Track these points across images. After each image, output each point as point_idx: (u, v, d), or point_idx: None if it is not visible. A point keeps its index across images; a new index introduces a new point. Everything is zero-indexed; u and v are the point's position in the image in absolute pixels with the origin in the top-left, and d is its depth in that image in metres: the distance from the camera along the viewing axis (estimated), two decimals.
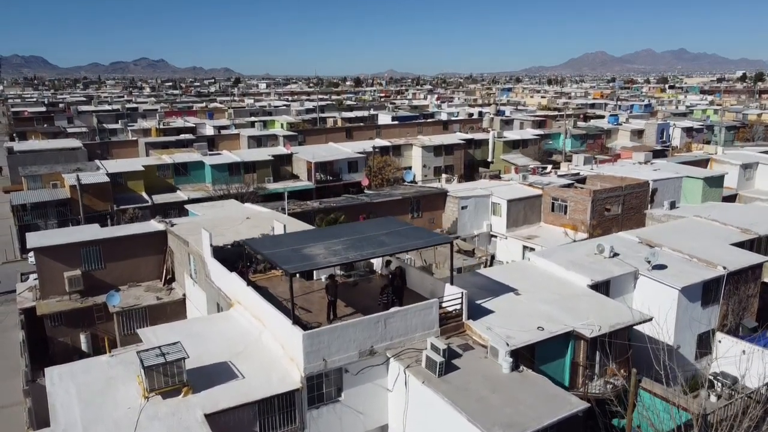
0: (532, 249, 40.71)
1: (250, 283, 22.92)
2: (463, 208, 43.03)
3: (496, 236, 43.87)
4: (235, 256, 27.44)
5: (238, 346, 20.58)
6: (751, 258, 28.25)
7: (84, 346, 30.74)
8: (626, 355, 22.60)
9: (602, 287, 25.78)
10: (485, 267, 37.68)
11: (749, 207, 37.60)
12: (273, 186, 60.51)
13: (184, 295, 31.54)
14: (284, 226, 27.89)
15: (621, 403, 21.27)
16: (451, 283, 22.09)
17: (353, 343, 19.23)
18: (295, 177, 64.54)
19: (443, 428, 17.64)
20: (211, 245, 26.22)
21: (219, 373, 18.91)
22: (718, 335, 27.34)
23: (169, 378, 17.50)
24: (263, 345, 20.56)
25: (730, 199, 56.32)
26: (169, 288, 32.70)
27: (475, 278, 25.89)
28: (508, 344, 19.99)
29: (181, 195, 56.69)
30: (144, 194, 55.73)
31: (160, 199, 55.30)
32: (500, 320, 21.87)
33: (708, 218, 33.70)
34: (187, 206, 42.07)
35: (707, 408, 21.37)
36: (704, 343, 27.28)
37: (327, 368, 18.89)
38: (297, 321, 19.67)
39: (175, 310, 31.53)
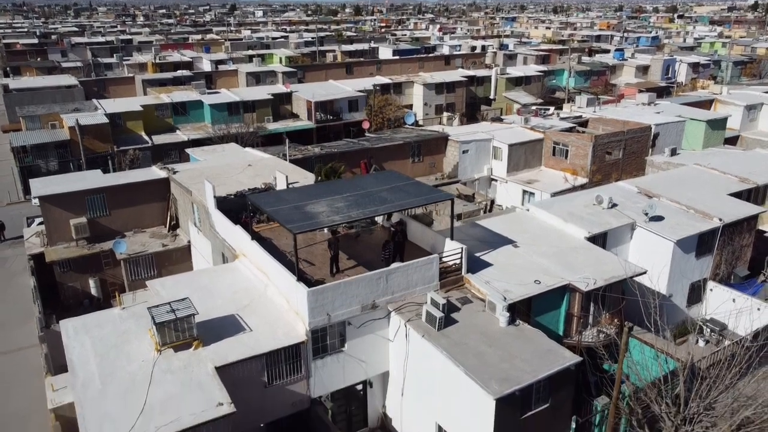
0: (532, 194, 41.11)
1: (254, 236, 23.35)
2: (464, 152, 43.01)
3: (496, 180, 44.08)
4: (239, 207, 27.76)
5: (245, 300, 21.28)
6: (747, 209, 28.63)
7: (93, 291, 31.62)
8: (619, 306, 23.38)
9: (599, 239, 26.29)
10: (485, 212, 38.16)
11: (749, 155, 37.63)
12: (273, 126, 60.11)
13: (189, 242, 32.13)
14: (286, 177, 28.07)
15: (611, 352, 22.26)
16: (452, 238, 22.55)
17: (356, 298, 19.90)
18: (295, 116, 63.98)
19: (442, 380, 18.56)
20: (214, 197, 26.55)
21: (227, 327, 19.67)
22: (710, 284, 28.13)
23: (180, 333, 18.25)
24: (269, 298, 21.26)
25: (733, 140, 56.16)
26: (173, 234, 33.25)
27: (475, 230, 26.35)
28: (505, 298, 20.68)
29: (180, 135, 56.47)
30: (143, 134, 55.51)
31: (159, 139, 55.12)
32: (498, 273, 22.50)
33: (708, 167, 33.84)
34: (187, 150, 41.93)
35: (694, 356, 22.34)
36: (696, 292, 28.09)
37: (331, 322, 19.64)
38: (301, 276, 20.26)
39: (181, 257, 32.23)
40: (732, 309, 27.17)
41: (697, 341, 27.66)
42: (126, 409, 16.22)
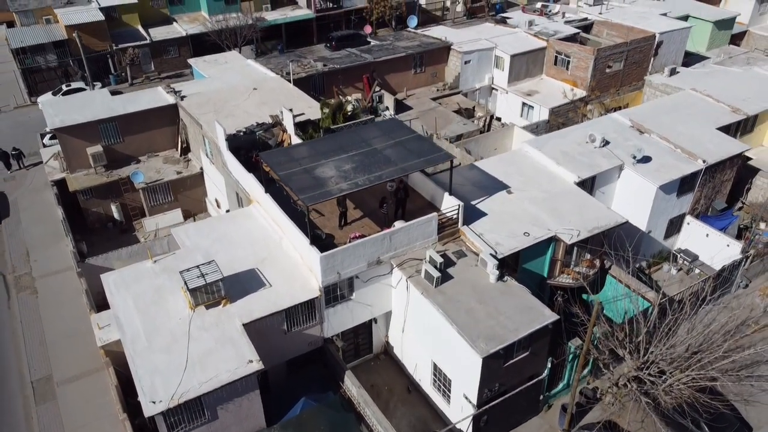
0: (531, 107, 42.00)
1: (267, 184, 24.98)
2: (465, 62, 43.03)
3: (497, 90, 44.56)
4: (249, 144, 29.27)
5: (263, 252, 23.70)
6: (731, 148, 30.07)
7: (116, 215, 33.93)
8: (600, 252, 25.87)
9: (588, 181, 28.12)
10: (484, 130, 39.44)
11: (747, 76, 37.75)
12: (272, 16, 58.70)
13: (202, 168, 33.87)
14: (292, 115, 29.00)
15: (591, 287, 25.32)
16: (450, 194, 24.43)
17: (363, 257, 22.29)
18: (294, 3, 62.13)
19: (438, 330, 21.46)
20: (226, 140, 27.89)
21: (249, 281, 22.26)
22: (687, 218, 30.40)
23: (210, 295, 20.88)
24: (284, 251, 23.66)
25: (740, 36, 55.46)
26: (186, 159, 34.87)
27: (472, 173, 28.08)
28: (496, 253, 23.06)
29: (178, 29, 55.53)
30: (140, 29, 54.58)
31: (157, 34, 54.26)
32: (491, 224, 24.67)
33: (703, 93, 34.57)
34: (190, 62, 41.98)
35: (662, 296, 25.32)
36: (674, 226, 30.44)
37: (341, 279, 22.21)
38: (312, 231, 22.39)
39: (194, 182, 34.19)
40: (704, 242, 29.87)
41: (669, 270, 30.71)
42: (171, 364, 19.28)
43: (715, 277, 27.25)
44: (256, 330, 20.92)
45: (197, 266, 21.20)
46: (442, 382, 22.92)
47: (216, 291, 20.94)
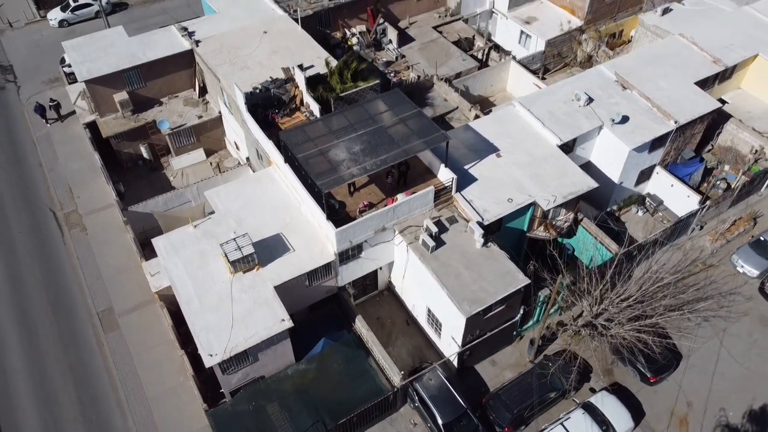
0: (529, 36, 43.62)
1: (287, 158, 28.45)
2: None
3: (497, 13, 45.65)
4: (265, 101, 32.22)
5: (286, 217, 27.94)
6: (704, 107, 32.89)
7: (145, 154, 37.52)
8: (575, 207, 30.06)
9: (570, 141, 31.49)
10: (482, 65, 41.59)
11: (737, 17, 38.99)
12: None
13: (220, 112, 36.84)
14: (302, 69, 31.47)
15: (566, 234, 30.04)
16: (446, 166, 28.10)
17: (371, 227, 26.61)
18: None
19: (432, 287, 26.30)
20: (245, 102, 30.84)
21: (276, 246, 26.75)
22: (657, 168, 34.11)
23: (246, 264, 25.50)
24: (303, 217, 27.89)
25: None
26: (204, 101, 37.64)
27: (466, 134, 31.36)
28: (483, 220, 27.32)
29: None
30: None
31: None
32: (480, 190, 28.62)
33: (690, 40, 36.46)
34: None
35: (633, 239, 29.97)
36: (645, 174, 34.23)
37: (352, 245, 26.72)
38: (329, 208, 26.46)
39: (214, 124, 37.37)
40: (671, 191, 33.99)
41: (637, 211, 35.13)
42: (220, 322, 24.44)
43: (674, 226, 31.80)
44: (284, 288, 25.83)
45: (234, 239, 25.58)
46: (434, 322, 28.31)
47: (251, 260, 25.54)
